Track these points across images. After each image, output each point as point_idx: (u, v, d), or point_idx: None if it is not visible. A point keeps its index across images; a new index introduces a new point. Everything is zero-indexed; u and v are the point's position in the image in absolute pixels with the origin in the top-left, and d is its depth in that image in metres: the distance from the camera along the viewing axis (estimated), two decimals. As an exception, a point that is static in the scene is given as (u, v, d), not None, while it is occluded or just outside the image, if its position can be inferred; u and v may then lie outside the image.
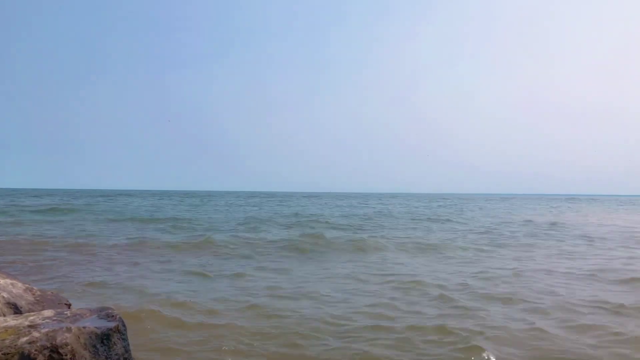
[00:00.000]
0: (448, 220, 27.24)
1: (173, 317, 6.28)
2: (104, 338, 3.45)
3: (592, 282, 8.91)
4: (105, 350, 3.41)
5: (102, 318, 3.70)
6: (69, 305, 5.44)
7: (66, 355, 3.06)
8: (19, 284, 5.23)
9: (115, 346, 3.51)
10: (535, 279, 9.18)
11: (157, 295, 7.53)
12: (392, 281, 8.95)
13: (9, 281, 5.18)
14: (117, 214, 28.14)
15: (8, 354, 2.90)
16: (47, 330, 3.15)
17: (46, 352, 3.00)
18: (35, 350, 2.96)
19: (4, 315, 4.52)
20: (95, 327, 3.43)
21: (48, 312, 3.58)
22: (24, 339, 3.02)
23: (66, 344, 3.09)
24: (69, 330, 3.22)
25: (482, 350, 5.02)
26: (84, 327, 3.35)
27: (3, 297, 4.78)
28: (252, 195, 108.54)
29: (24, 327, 3.20)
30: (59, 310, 3.78)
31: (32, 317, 3.41)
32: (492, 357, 4.89)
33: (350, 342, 5.40)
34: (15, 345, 2.96)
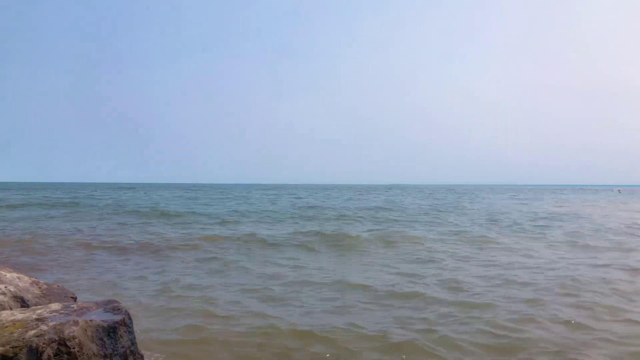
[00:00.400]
0: (464, 212, 27.19)
1: (183, 311, 6.31)
2: (111, 331, 3.48)
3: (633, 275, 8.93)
4: (111, 343, 3.44)
5: (108, 311, 3.73)
6: (74, 299, 5.49)
7: (74, 348, 3.09)
8: (25, 278, 5.28)
9: (121, 339, 3.55)
10: (573, 270, 9.19)
11: (168, 289, 7.54)
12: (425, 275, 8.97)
13: (15, 275, 5.22)
14: (131, 207, 27.97)
15: (16, 347, 2.93)
16: (54, 323, 3.18)
17: (54, 345, 3.03)
18: (44, 343, 3.00)
19: (11, 309, 4.57)
20: (102, 320, 3.46)
21: (55, 306, 3.61)
22: (32, 332, 3.05)
23: (73, 337, 3.12)
24: (76, 323, 3.25)
25: None
26: (91, 320, 3.38)
27: (10, 290, 4.83)
28: (249, 187, 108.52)
29: (31, 320, 3.23)
30: (65, 303, 3.81)
31: (39, 311, 3.44)
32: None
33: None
34: (23, 339, 2.99)
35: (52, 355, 3.00)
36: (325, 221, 20.38)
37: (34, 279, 5.40)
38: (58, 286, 5.54)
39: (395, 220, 21.47)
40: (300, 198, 46.29)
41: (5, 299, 4.69)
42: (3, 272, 5.17)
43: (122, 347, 3.52)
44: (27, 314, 3.38)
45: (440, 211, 27.57)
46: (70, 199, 38.00)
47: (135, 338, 3.74)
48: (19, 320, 3.22)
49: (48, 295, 5.15)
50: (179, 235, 14.56)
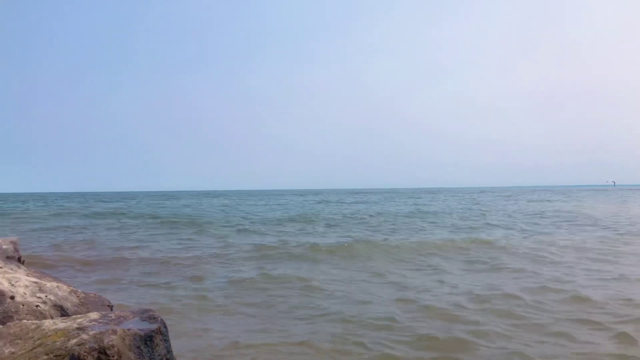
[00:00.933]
0: (510, 214, 26.50)
1: (219, 319, 6.38)
2: (147, 339, 3.56)
3: None
4: (148, 351, 3.52)
5: (144, 320, 3.81)
6: (111, 307, 5.64)
7: (113, 356, 3.18)
8: (64, 287, 5.45)
9: (157, 347, 3.63)
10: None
11: (203, 299, 7.63)
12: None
13: (54, 284, 5.40)
14: (174, 216, 27.77)
15: (59, 355, 3.03)
16: (94, 332, 3.28)
17: (94, 353, 3.12)
18: (85, 351, 3.09)
19: (52, 317, 4.72)
20: (139, 329, 3.55)
21: (94, 315, 3.72)
22: (74, 341, 3.15)
23: (112, 346, 3.21)
24: (114, 332, 3.34)
25: None
26: (129, 329, 3.47)
27: (50, 299, 4.99)
28: (267, 193, 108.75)
29: (72, 329, 3.34)
30: (103, 312, 3.92)
31: (79, 320, 3.55)
32: None
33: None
34: (65, 347, 3.10)
35: (92, 363, 3.09)
36: (378, 228, 19.74)
37: (72, 287, 5.57)
38: (95, 295, 5.70)
39: (455, 225, 20.88)
40: (331, 203, 46.15)
41: (46, 308, 4.85)
42: (43, 282, 5.36)
43: (159, 355, 3.59)
44: (68, 323, 3.49)
45: (483, 213, 27.05)
46: (107, 208, 38.92)
47: (170, 346, 3.82)
48: (60, 330, 3.34)
49: (86, 303, 5.31)
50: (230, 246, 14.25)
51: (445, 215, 27.05)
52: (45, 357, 3.06)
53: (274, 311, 6.87)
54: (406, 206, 38.38)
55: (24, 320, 3.80)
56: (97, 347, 3.16)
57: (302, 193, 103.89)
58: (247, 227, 20.52)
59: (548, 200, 46.50)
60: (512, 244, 13.58)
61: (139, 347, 3.47)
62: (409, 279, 9.22)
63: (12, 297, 4.82)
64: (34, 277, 5.59)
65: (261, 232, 18.14)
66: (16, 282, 5.11)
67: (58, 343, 3.16)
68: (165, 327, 3.85)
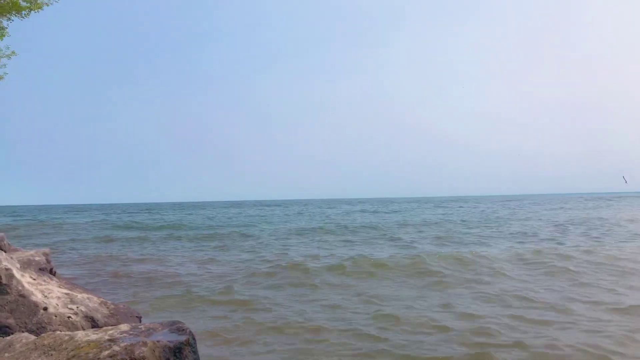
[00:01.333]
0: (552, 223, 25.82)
1: (251, 332, 6.39)
2: (176, 351, 3.60)
3: None
4: (177, 363, 3.55)
5: (173, 332, 3.86)
6: (139, 318, 5.72)
7: (143, 368, 3.22)
8: (95, 298, 5.56)
9: (186, 359, 3.66)
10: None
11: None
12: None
13: (85, 295, 5.51)
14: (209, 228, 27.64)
15: (92, 366, 3.09)
16: (125, 344, 3.34)
17: (126, 365, 3.17)
18: (116, 363, 3.14)
19: (83, 329, 4.82)
20: (168, 341, 3.59)
21: (124, 327, 3.78)
22: (106, 353, 3.21)
23: (143, 357, 3.26)
24: (144, 344, 3.39)
25: None
26: (158, 341, 3.52)
27: (81, 310, 5.09)
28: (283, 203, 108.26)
29: (104, 340, 3.41)
30: (133, 324, 3.98)
31: (111, 332, 3.62)
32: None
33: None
34: (98, 359, 3.16)
35: (124, 375, 3.14)
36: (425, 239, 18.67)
37: (102, 299, 5.68)
38: (124, 306, 5.80)
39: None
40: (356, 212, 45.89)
41: (78, 319, 4.96)
42: (74, 293, 5.48)
43: (188, 367, 3.62)
44: (100, 335, 3.56)
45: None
46: (134, 220, 39.61)
47: (199, 358, 3.85)
48: (93, 341, 3.40)
49: (115, 315, 5.40)
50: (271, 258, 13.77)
51: (477, 223, 26.60)
52: (78, 368, 3.12)
53: (314, 319, 6.90)
54: (438, 215, 37.63)
55: (57, 332, 3.89)
56: (128, 359, 3.21)
57: (322, 203, 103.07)
58: (285, 237, 20.65)
59: (582, 209, 45.20)
60: (572, 253, 13.05)
61: (168, 359, 3.51)
62: (464, 290, 9.02)
63: (46, 309, 4.94)
64: (65, 288, 5.72)
65: (296, 243, 18.07)
66: (49, 293, 5.24)
67: (91, 354, 3.22)
68: (194, 338, 3.89)
